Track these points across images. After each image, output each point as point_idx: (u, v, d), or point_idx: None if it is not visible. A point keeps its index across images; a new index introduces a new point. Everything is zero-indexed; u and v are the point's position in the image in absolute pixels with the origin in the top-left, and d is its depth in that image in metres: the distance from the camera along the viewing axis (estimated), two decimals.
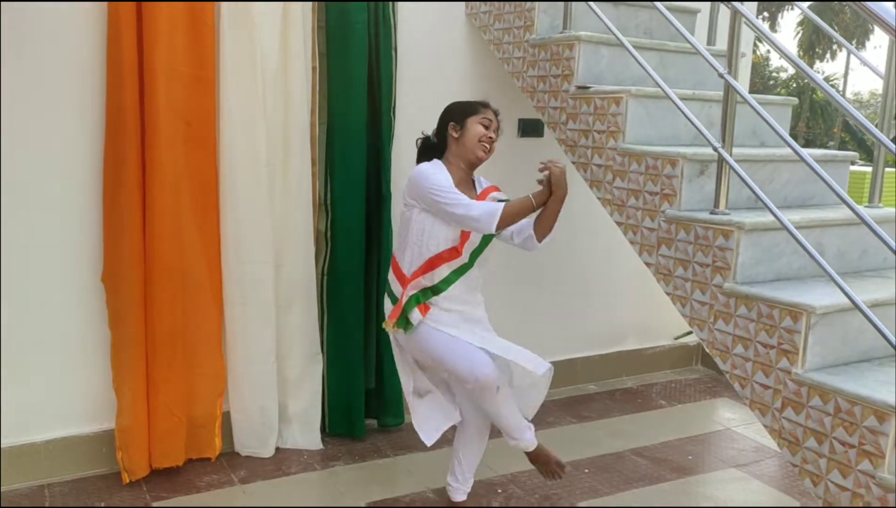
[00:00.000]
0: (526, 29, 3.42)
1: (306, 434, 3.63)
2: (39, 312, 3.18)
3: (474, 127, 2.86)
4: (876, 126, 2.35)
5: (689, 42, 2.71)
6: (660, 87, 2.71)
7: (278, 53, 3.37)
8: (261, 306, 3.44)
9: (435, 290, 2.84)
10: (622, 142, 2.93)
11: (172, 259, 3.25)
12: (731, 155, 2.53)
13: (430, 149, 2.98)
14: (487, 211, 2.67)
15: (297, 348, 3.61)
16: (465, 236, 2.81)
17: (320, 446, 3.64)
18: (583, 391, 4.60)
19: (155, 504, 3.14)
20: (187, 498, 3.19)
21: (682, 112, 2.64)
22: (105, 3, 3.08)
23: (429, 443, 2.99)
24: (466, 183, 2.92)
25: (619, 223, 2.94)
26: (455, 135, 2.89)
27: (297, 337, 3.60)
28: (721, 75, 2.53)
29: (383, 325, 2.94)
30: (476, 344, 2.79)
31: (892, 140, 2.34)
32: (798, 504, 3.36)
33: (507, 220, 2.70)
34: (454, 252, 2.81)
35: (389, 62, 3.63)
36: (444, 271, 2.83)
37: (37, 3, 3.00)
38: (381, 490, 3.32)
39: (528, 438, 3.00)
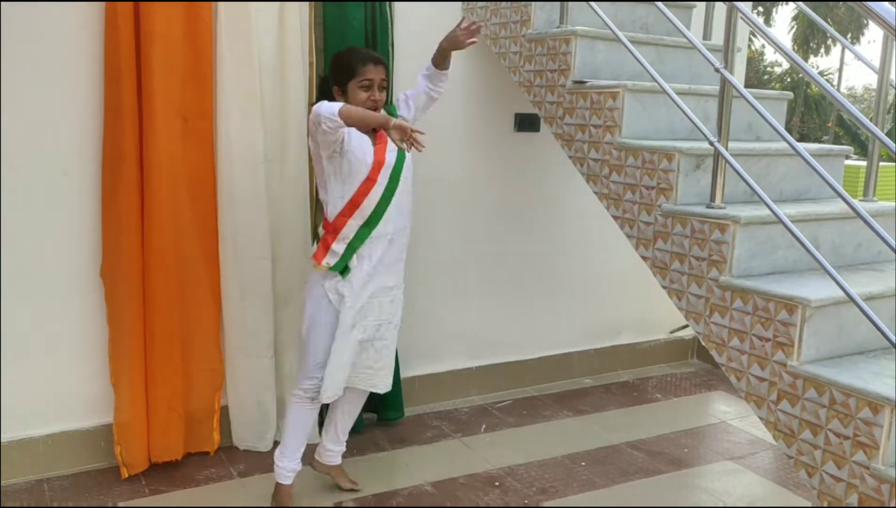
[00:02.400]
0: (523, 24, 3.43)
1: (313, 429, 3.64)
2: (38, 307, 3.19)
3: (355, 94, 2.85)
4: (870, 120, 2.37)
5: (686, 37, 2.72)
6: (656, 81, 2.72)
7: (276, 49, 3.37)
8: (258, 301, 3.45)
9: (369, 224, 2.87)
10: (619, 136, 2.94)
11: (170, 254, 3.26)
12: (727, 149, 2.55)
13: (326, 94, 2.96)
14: (329, 106, 2.67)
15: (295, 342, 3.61)
16: (376, 164, 2.85)
17: (319, 440, 3.65)
18: (579, 384, 4.62)
19: (154, 498, 3.15)
20: (186, 492, 3.20)
21: (679, 107, 2.65)
22: (103, 1, 3.08)
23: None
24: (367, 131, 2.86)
25: (615, 218, 2.95)
26: (339, 99, 2.86)
27: (294, 332, 3.60)
28: (717, 70, 2.54)
29: (314, 266, 2.93)
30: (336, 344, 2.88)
31: (886, 134, 2.35)
32: (793, 497, 3.38)
33: (348, 114, 2.64)
34: (370, 182, 2.84)
35: (386, 58, 3.63)
36: (370, 202, 2.86)
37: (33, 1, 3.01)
38: (379, 483, 3.34)
39: (280, 472, 3.06)
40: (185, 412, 3.41)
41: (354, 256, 2.88)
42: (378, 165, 2.86)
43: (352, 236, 2.87)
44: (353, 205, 2.85)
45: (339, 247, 2.86)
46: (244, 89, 3.31)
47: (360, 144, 2.84)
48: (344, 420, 3.20)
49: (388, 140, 2.79)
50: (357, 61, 2.87)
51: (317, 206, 3.59)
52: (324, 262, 2.87)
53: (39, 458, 3.26)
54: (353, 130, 2.77)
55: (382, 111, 2.90)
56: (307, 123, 2.89)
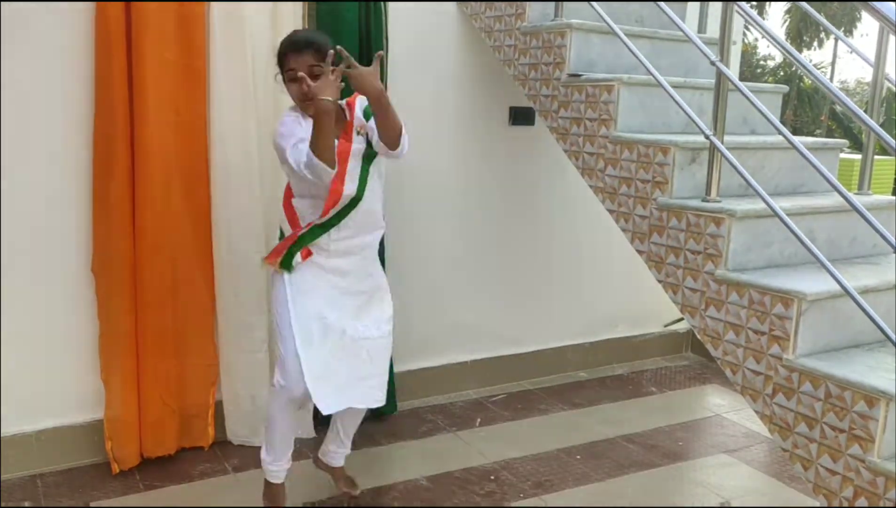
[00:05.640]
0: (517, 17, 3.41)
1: (299, 423, 3.63)
2: (29, 302, 3.17)
3: (288, 85, 2.63)
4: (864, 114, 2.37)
5: (682, 30, 2.71)
6: (652, 75, 2.72)
7: (269, 42, 3.34)
8: (253, 296, 3.43)
9: (324, 226, 2.66)
10: (614, 130, 2.93)
11: (163, 249, 3.24)
12: (722, 143, 2.54)
13: None
14: (300, 156, 2.48)
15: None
16: (339, 173, 2.56)
17: (313, 434, 3.64)
18: (573, 378, 4.62)
19: (148, 494, 3.14)
20: (180, 487, 3.19)
21: (674, 100, 2.64)
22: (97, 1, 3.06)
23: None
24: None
25: (610, 211, 2.94)
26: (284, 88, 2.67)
27: None
28: (713, 63, 2.53)
29: (262, 260, 2.80)
30: (300, 347, 2.64)
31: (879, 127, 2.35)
32: (788, 490, 3.39)
33: (318, 152, 2.42)
34: (335, 193, 2.59)
35: (380, 50, 3.61)
36: (331, 211, 2.65)
37: None
38: (373, 477, 3.33)
39: (270, 472, 2.88)
40: (178, 407, 3.40)
41: (299, 254, 2.68)
42: (336, 193, 2.60)
43: (301, 234, 2.69)
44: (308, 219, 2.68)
45: (288, 242, 2.71)
46: (237, 82, 3.29)
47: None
48: (345, 423, 3.04)
49: (353, 142, 2.60)
50: (281, 52, 2.63)
51: None
52: (272, 261, 2.73)
53: (32, 454, 3.24)
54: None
55: (359, 116, 2.66)
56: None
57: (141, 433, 3.31)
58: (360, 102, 2.71)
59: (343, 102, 2.73)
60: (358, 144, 2.66)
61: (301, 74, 2.54)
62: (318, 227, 2.68)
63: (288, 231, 2.76)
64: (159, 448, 3.34)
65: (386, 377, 2.90)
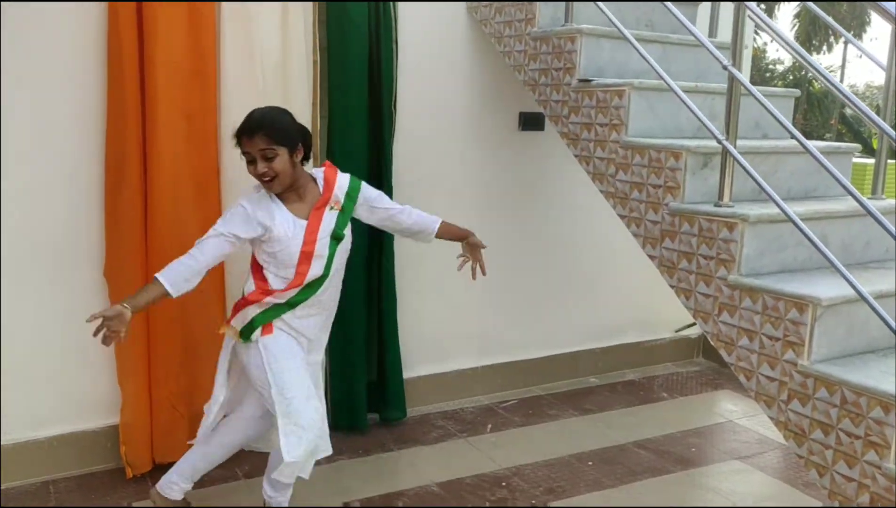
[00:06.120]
0: (527, 22, 3.41)
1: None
2: (42, 307, 3.18)
3: (247, 165, 2.65)
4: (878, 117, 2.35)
5: (693, 34, 2.70)
6: (663, 79, 2.71)
7: (279, 47, 3.36)
8: None
9: (290, 304, 2.71)
10: (625, 135, 2.92)
11: (174, 253, 3.21)
12: (735, 147, 2.53)
13: None
14: (201, 245, 2.68)
15: None
16: (306, 253, 2.65)
17: (330, 451, 3.63)
18: (584, 383, 4.61)
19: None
20: (192, 493, 3.18)
21: (686, 104, 2.63)
22: (105, 1, 3.07)
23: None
24: (301, 192, 2.71)
25: (622, 216, 2.93)
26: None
27: None
28: (725, 67, 2.52)
29: (220, 329, 2.84)
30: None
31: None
32: (802, 496, 3.36)
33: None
34: (300, 275, 2.66)
35: (390, 56, 3.63)
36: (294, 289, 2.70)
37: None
38: (385, 483, 3.33)
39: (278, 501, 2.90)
40: (188, 413, 3.40)
41: (260, 329, 2.70)
42: (307, 255, 2.66)
43: (267, 308, 2.71)
44: (283, 290, 2.69)
45: (253, 311, 2.71)
46: (247, 88, 3.30)
47: (287, 234, 2.64)
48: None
49: (323, 220, 2.68)
50: (236, 134, 2.63)
51: None
52: (232, 323, 2.75)
53: (45, 460, 3.25)
54: (279, 213, 2.64)
55: (337, 194, 2.74)
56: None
57: (152, 438, 3.31)
58: (342, 181, 2.79)
59: (317, 173, 2.79)
60: (328, 222, 2.72)
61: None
62: (282, 306, 2.70)
63: (251, 288, 2.74)
64: (170, 454, 3.33)
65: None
